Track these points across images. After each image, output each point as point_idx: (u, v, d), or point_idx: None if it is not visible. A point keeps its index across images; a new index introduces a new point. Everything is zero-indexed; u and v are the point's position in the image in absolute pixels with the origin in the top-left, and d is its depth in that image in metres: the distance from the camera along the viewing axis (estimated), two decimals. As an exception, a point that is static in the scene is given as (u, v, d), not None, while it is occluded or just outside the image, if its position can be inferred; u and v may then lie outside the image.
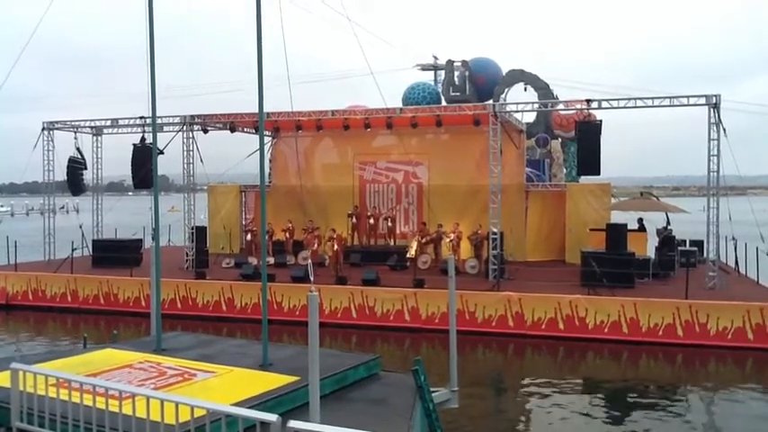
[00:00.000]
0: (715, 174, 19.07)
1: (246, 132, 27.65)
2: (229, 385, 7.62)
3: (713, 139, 18.93)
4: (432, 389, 8.47)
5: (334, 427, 4.89)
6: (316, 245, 23.44)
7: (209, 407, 5.65)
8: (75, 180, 26.70)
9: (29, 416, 6.44)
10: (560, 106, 25.24)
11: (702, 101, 19.17)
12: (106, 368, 8.18)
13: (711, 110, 18.97)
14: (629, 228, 20.84)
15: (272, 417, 5.10)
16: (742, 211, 19.56)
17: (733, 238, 21.45)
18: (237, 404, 6.30)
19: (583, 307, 17.56)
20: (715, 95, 19.01)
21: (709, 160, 19.08)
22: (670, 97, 19.90)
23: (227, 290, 20.55)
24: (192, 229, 24.30)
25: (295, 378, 7.65)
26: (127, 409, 5.86)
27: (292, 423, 4.92)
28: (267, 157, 28.56)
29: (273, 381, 7.71)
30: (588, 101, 20.37)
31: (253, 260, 23.11)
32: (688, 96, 19.63)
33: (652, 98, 20.00)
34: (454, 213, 24.17)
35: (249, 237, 25.84)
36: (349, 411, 7.42)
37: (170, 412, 5.66)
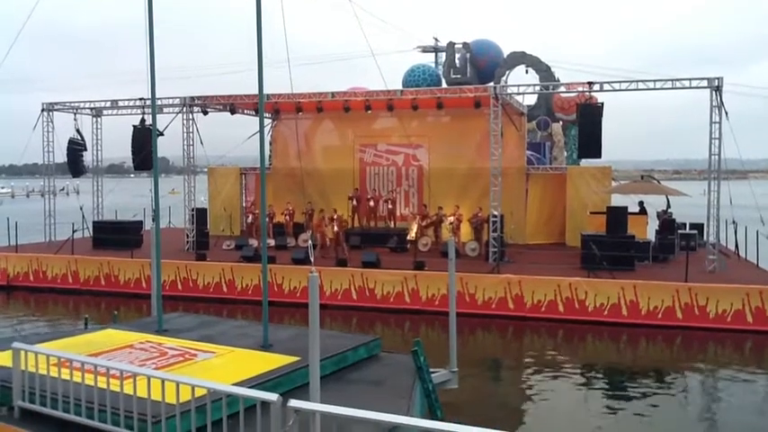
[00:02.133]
0: (716, 157, 19.01)
1: (246, 114, 27.57)
2: (230, 365, 7.66)
3: (715, 123, 18.86)
4: (431, 370, 8.51)
5: (334, 407, 4.92)
6: (324, 226, 23.50)
7: (210, 386, 5.69)
8: (75, 161, 26.64)
9: (30, 395, 6.48)
10: (562, 89, 25.14)
11: (704, 84, 19.09)
12: (107, 348, 8.22)
13: (713, 93, 18.88)
14: (629, 211, 20.84)
15: (272, 396, 5.13)
16: (743, 194, 19.53)
17: (733, 222, 21.44)
18: (238, 384, 6.33)
19: (582, 289, 17.60)
20: (717, 78, 18.91)
21: (710, 143, 19.02)
22: (672, 80, 19.80)
23: (228, 271, 20.58)
24: (193, 210, 24.30)
25: (295, 358, 7.69)
26: (128, 389, 5.90)
27: (293, 402, 4.95)
28: (267, 139, 28.51)
29: (274, 361, 7.74)
30: (590, 83, 20.28)
31: (253, 242, 23.13)
32: (690, 79, 19.54)
33: (654, 81, 19.91)
34: (454, 196, 24.15)
35: (249, 219, 25.82)
36: (349, 392, 7.46)
37: (171, 392, 5.70)
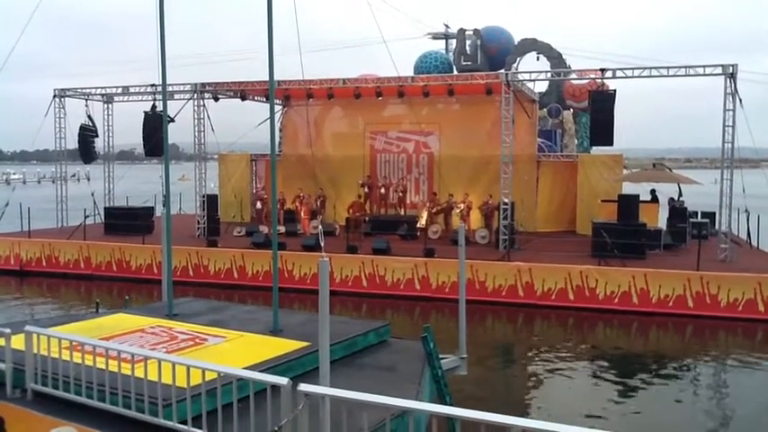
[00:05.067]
0: (729, 145, 18.84)
1: (257, 101, 27.55)
2: (240, 350, 7.70)
3: (729, 110, 18.68)
4: (441, 356, 8.52)
5: (343, 391, 4.93)
6: (303, 213, 24.02)
7: (221, 370, 5.71)
8: (86, 148, 26.75)
9: (43, 378, 6.54)
10: (574, 75, 24.98)
11: (719, 70, 18.89)
12: (118, 332, 8.28)
13: (728, 80, 18.69)
14: (641, 199, 20.73)
15: (282, 380, 5.15)
16: (755, 183, 19.37)
17: (746, 211, 21.30)
18: (248, 368, 6.36)
19: (593, 277, 17.55)
20: (732, 65, 18.71)
21: (723, 131, 18.83)
22: (686, 67, 19.61)
23: (239, 258, 20.66)
24: (203, 197, 24.36)
25: (305, 343, 7.72)
26: (139, 372, 5.93)
27: (303, 386, 4.96)
28: (277, 125, 28.51)
29: (284, 346, 7.78)
30: (602, 70, 20.13)
31: (264, 228, 23.19)
32: (704, 66, 19.35)
33: (667, 68, 19.72)
34: (465, 183, 24.11)
35: (260, 205, 25.88)
36: (358, 377, 7.48)
37: (181, 375, 5.73)
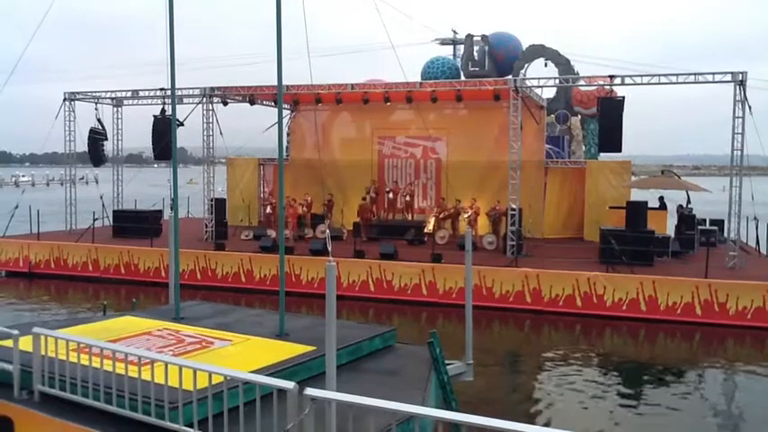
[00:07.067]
0: (738, 153, 18.77)
1: (266, 105, 27.62)
2: (246, 353, 7.69)
3: (738, 117, 18.62)
4: (447, 361, 8.49)
5: (349, 395, 4.93)
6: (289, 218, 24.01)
7: (227, 373, 5.71)
8: (95, 151, 26.89)
9: (50, 379, 6.55)
10: (582, 82, 24.94)
11: (728, 77, 18.84)
12: (125, 335, 8.28)
13: (737, 87, 18.64)
14: (649, 206, 20.68)
15: (288, 384, 5.15)
16: (764, 191, 19.29)
17: (755, 218, 21.19)
18: (254, 372, 6.34)
19: (601, 284, 17.50)
20: (741, 72, 18.67)
21: (733, 138, 18.78)
22: (695, 74, 19.59)
23: (247, 261, 20.69)
24: (211, 201, 24.42)
25: (312, 348, 7.71)
26: (146, 375, 5.93)
27: (309, 391, 4.96)
28: (285, 130, 28.57)
29: (290, 350, 7.76)
30: (611, 77, 20.11)
31: (271, 232, 23.22)
32: (713, 73, 19.31)
33: (676, 75, 19.71)
34: (473, 189, 24.09)
35: (268, 209, 25.92)
36: (364, 381, 7.46)
37: (188, 378, 5.72)
